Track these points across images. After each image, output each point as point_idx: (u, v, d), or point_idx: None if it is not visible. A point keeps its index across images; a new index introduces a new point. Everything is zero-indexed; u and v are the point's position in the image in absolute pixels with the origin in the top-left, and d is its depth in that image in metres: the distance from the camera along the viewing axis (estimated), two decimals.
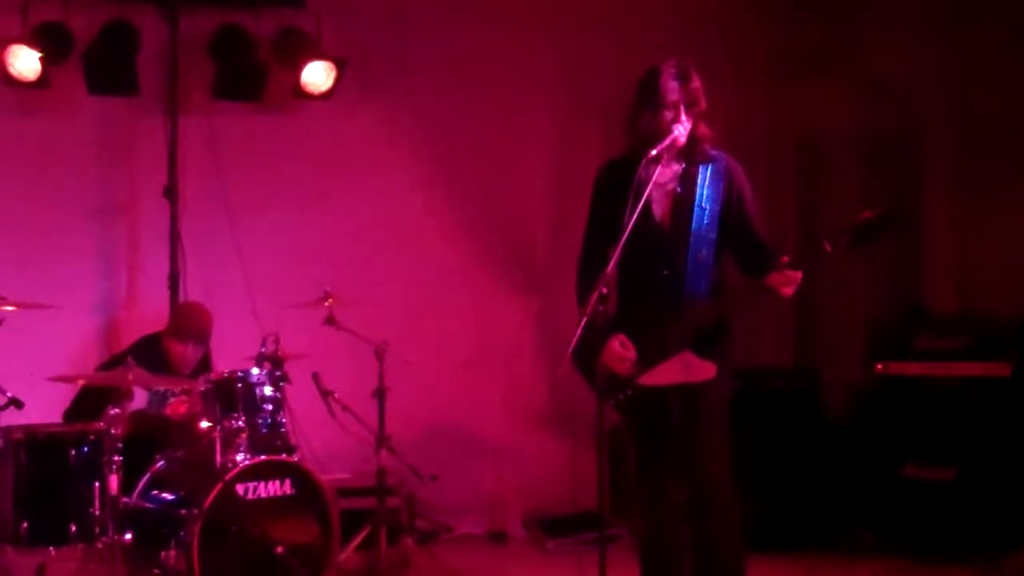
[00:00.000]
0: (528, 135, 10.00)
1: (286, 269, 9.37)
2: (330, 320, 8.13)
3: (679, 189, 5.94)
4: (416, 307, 9.59)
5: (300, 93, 9.30)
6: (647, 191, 5.70)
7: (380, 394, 8.15)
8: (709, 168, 5.93)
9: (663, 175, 5.89)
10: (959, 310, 9.38)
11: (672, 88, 5.87)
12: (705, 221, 5.87)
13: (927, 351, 8.73)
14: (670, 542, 6.05)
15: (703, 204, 5.85)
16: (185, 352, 8.11)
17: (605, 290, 5.49)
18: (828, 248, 5.67)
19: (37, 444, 6.87)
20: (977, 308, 9.26)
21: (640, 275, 5.94)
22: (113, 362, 7.80)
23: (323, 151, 9.67)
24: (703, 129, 5.94)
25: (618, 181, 5.90)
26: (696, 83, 5.90)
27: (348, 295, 8.23)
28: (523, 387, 9.98)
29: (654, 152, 5.71)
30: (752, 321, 9.95)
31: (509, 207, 9.95)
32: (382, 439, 8.11)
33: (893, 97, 9.87)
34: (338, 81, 9.27)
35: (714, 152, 5.98)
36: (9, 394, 7.02)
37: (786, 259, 5.65)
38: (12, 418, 6.99)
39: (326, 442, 8.53)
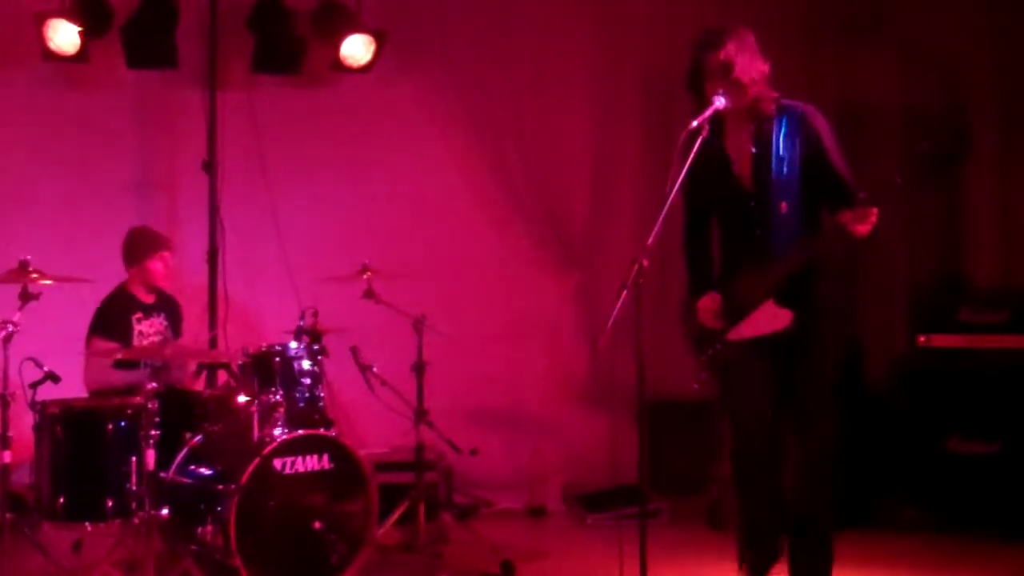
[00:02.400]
0: (567, 106, 9.94)
1: (325, 242, 9.39)
2: (369, 293, 8.11)
3: (755, 149, 5.99)
4: (455, 280, 9.57)
5: (339, 66, 9.29)
6: (690, 158, 5.66)
7: (419, 368, 8.11)
8: (783, 121, 5.95)
9: (741, 136, 6.00)
10: (1001, 282, 9.31)
11: (705, 60, 5.94)
12: (784, 174, 5.90)
13: (969, 324, 8.67)
14: (760, 492, 6.17)
15: (781, 157, 5.88)
16: (166, 264, 8.14)
17: (646, 262, 5.49)
18: (899, 181, 5.68)
19: (73, 419, 6.86)
20: (1019, 281, 9.18)
21: (734, 237, 6.11)
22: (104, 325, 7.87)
23: (362, 124, 9.65)
24: (759, 89, 5.93)
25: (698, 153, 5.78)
26: (726, 52, 5.89)
27: (387, 268, 8.20)
28: (562, 361, 9.94)
29: (695, 124, 5.70)
30: None
31: (548, 179, 9.89)
32: (420, 413, 8.08)
33: (936, 66, 9.76)
34: (377, 54, 9.26)
35: (788, 104, 5.99)
36: (46, 368, 7.01)
37: (863, 195, 5.65)
38: (49, 392, 6.98)
39: (364, 416, 8.53)
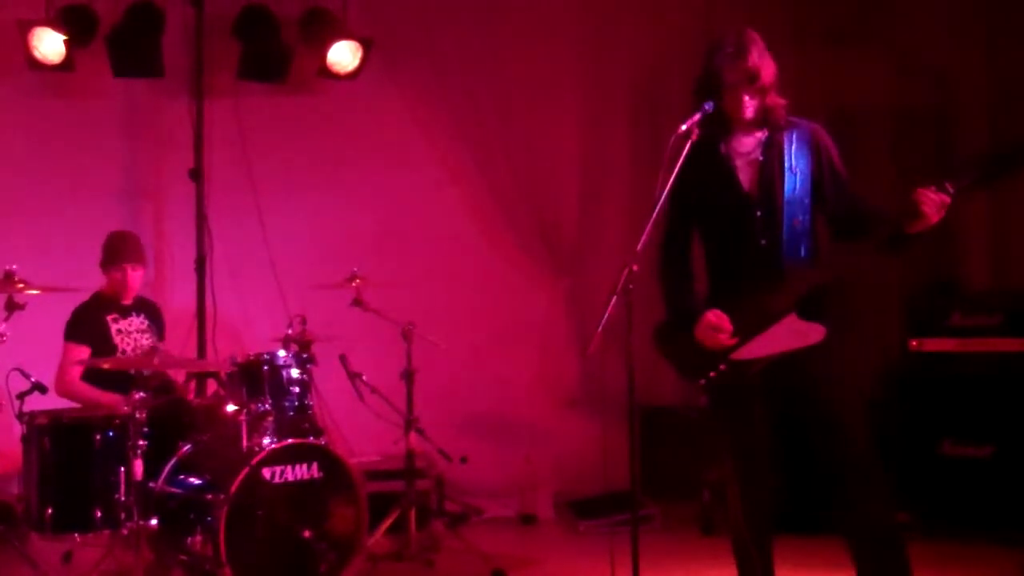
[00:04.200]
0: (555, 112, 9.92)
1: (313, 250, 9.39)
2: (357, 301, 8.10)
3: (762, 157, 5.77)
4: (444, 288, 9.54)
5: (326, 73, 9.28)
6: (679, 164, 5.55)
7: (408, 376, 8.11)
8: (794, 134, 5.79)
9: (745, 144, 5.80)
10: (993, 286, 9.31)
11: (728, 69, 5.73)
12: (797, 186, 5.70)
13: (961, 328, 8.66)
14: (758, 529, 5.90)
15: (793, 169, 5.70)
16: (127, 276, 8.02)
17: (636, 267, 5.40)
18: (951, 188, 5.47)
19: (61, 429, 6.83)
20: (1012, 284, 9.18)
21: (734, 248, 5.75)
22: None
23: (349, 131, 9.64)
24: (773, 98, 5.79)
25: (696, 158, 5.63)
26: (751, 60, 5.72)
27: (375, 276, 8.18)
28: (553, 368, 9.92)
29: (684, 127, 5.62)
30: None
31: (537, 186, 9.87)
32: (410, 421, 8.07)
33: (927, 70, 9.76)
34: (364, 61, 9.24)
35: (796, 118, 5.86)
36: (33, 379, 6.98)
37: (951, 186, 5.45)
38: (36, 403, 6.95)
39: (354, 424, 8.50)
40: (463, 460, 8.70)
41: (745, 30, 5.87)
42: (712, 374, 5.64)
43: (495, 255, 9.87)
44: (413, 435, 8.09)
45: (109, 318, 7.88)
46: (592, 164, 9.96)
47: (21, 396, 6.89)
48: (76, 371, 7.70)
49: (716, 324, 5.55)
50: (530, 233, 9.87)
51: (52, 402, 7.10)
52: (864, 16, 9.93)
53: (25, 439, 6.86)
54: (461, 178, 9.84)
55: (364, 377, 8.09)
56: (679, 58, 9.71)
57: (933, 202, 5.44)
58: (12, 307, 6.77)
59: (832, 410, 5.65)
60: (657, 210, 5.55)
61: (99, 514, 6.67)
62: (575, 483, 9.61)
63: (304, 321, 7.71)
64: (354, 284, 8.08)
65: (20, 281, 6.76)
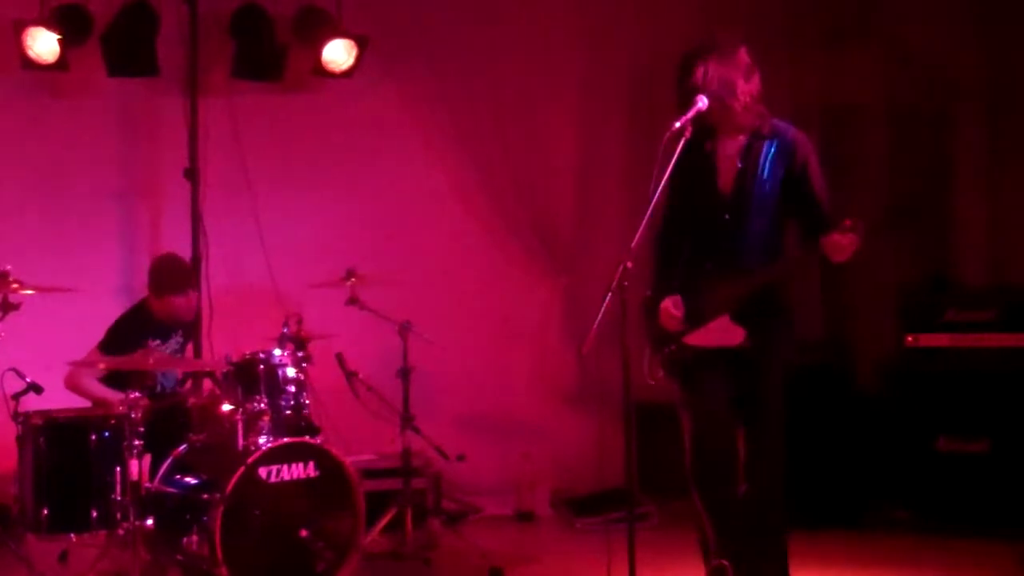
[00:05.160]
0: (552, 111, 9.92)
1: (308, 249, 9.37)
2: (353, 300, 8.09)
3: (741, 164, 6.06)
4: (440, 286, 9.53)
5: (321, 72, 9.26)
6: (672, 164, 5.75)
7: (404, 374, 8.11)
8: (775, 143, 6.03)
9: (729, 148, 6.09)
10: (988, 281, 9.32)
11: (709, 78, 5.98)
12: (766, 193, 5.98)
13: (957, 323, 8.69)
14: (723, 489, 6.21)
15: (765, 177, 5.96)
16: (190, 302, 8.07)
17: (630, 264, 5.55)
18: (849, 225, 5.74)
19: (57, 430, 6.83)
20: (1006, 279, 9.19)
21: (704, 243, 6.12)
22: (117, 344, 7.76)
23: (345, 129, 9.62)
24: (757, 106, 6.06)
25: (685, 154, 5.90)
26: (725, 70, 5.99)
27: (371, 274, 8.18)
28: (549, 366, 9.92)
29: (678, 124, 5.76)
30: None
31: (534, 184, 9.86)
32: (407, 419, 8.07)
33: (922, 68, 9.76)
34: (359, 59, 9.22)
35: (780, 126, 6.08)
36: (28, 379, 6.98)
37: (849, 222, 5.73)
38: (32, 403, 6.94)
39: (350, 423, 8.47)
40: (460, 458, 8.70)
41: (731, 36, 6.12)
42: (666, 351, 6.14)
43: (492, 253, 9.86)
44: (410, 433, 8.09)
45: (152, 343, 7.79)
46: (588, 162, 9.95)
47: (16, 396, 6.88)
48: (91, 374, 7.67)
49: (670, 311, 6.06)
50: (527, 231, 9.86)
51: (47, 402, 7.08)
52: (861, 15, 9.93)
53: (20, 439, 6.84)
54: (457, 176, 9.83)
55: (360, 375, 8.09)
56: (676, 57, 9.69)
57: (834, 245, 5.79)
58: (7, 307, 6.77)
59: (757, 423, 6.12)
60: (652, 207, 5.63)
61: (95, 514, 6.67)
62: (572, 481, 9.61)
63: (300, 320, 7.68)
64: (350, 282, 8.07)
65: (15, 281, 6.76)
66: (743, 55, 6.08)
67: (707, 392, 6.14)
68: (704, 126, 5.96)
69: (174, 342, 8.02)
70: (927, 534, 8.41)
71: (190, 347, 8.67)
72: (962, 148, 9.72)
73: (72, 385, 7.63)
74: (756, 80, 6.08)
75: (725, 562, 6.12)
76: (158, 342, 7.85)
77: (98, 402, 7.48)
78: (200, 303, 8.50)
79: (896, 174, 9.79)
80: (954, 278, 9.45)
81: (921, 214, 9.62)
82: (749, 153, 6.04)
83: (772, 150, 6.01)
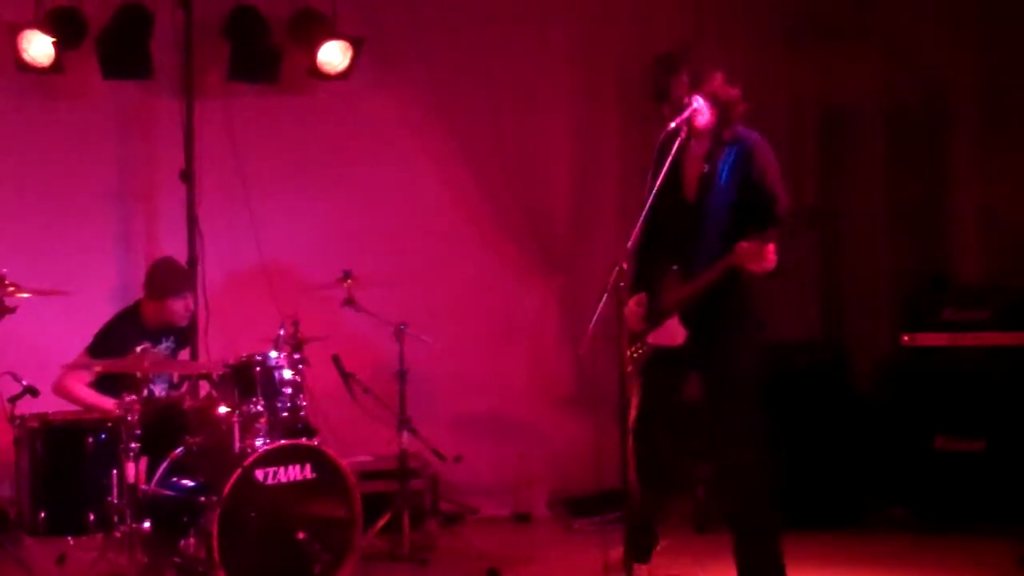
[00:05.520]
0: (547, 111, 9.90)
1: (304, 251, 9.37)
2: (349, 301, 8.10)
3: (706, 168, 6.16)
4: (436, 287, 9.52)
5: (316, 73, 9.24)
6: (667, 164, 5.94)
7: (401, 375, 8.11)
8: (735, 148, 6.12)
9: (696, 153, 6.21)
10: (984, 281, 9.32)
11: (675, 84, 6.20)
12: (725, 197, 6.06)
13: (953, 322, 8.71)
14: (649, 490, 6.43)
15: (724, 182, 6.03)
16: (188, 306, 8.08)
17: (626, 265, 5.73)
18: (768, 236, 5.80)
19: (53, 432, 6.84)
20: (1003, 279, 9.19)
21: (670, 244, 6.25)
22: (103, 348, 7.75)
23: (340, 131, 9.61)
24: (726, 113, 6.15)
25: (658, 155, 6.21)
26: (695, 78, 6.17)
27: (367, 276, 8.19)
28: (546, 367, 9.91)
29: (673, 125, 5.90)
30: (777, 295, 9.90)
31: (529, 185, 9.86)
32: (404, 421, 8.08)
33: (918, 66, 9.78)
34: (354, 61, 9.20)
35: (741, 132, 6.16)
36: (25, 382, 6.97)
37: (754, 232, 5.81)
38: (28, 406, 6.94)
39: (347, 425, 8.48)
40: (457, 459, 8.72)
41: (694, 47, 6.52)
42: (632, 348, 6.32)
43: (487, 254, 9.84)
44: (407, 435, 8.11)
45: (139, 348, 7.79)
46: (583, 162, 9.94)
47: (13, 400, 6.88)
48: (80, 379, 7.67)
49: (634, 309, 6.30)
50: (522, 232, 9.85)
51: (44, 405, 7.07)
52: (856, 14, 9.93)
53: (17, 442, 6.85)
54: (452, 177, 9.81)
55: (357, 377, 8.10)
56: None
57: (745, 251, 5.84)
58: (3, 310, 6.78)
59: (719, 424, 6.24)
60: (647, 207, 5.65)
61: (92, 517, 6.69)
62: (569, 481, 9.60)
63: (296, 322, 7.68)
64: (346, 284, 8.08)
65: (11, 284, 6.75)
66: (719, 69, 6.22)
67: (654, 390, 6.35)
68: (672, 132, 6.10)
69: (164, 347, 8.00)
70: (924, 533, 8.41)
71: (186, 349, 8.67)
72: (959, 147, 9.73)
73: (61, 391, 7.62)
74: (724, 88, 6.19)
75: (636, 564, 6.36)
76: (147, 344, 7.84)
77: (87, 408, 7.47)
78: (196, 308, 8.50)
79: (893, 173, 9.80)
80: (951, 277, 9.46)
81: (918, 213, 9.67)
82: (711, 158, 6.15)
83: (732, 156, 6.11)
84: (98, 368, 7.32)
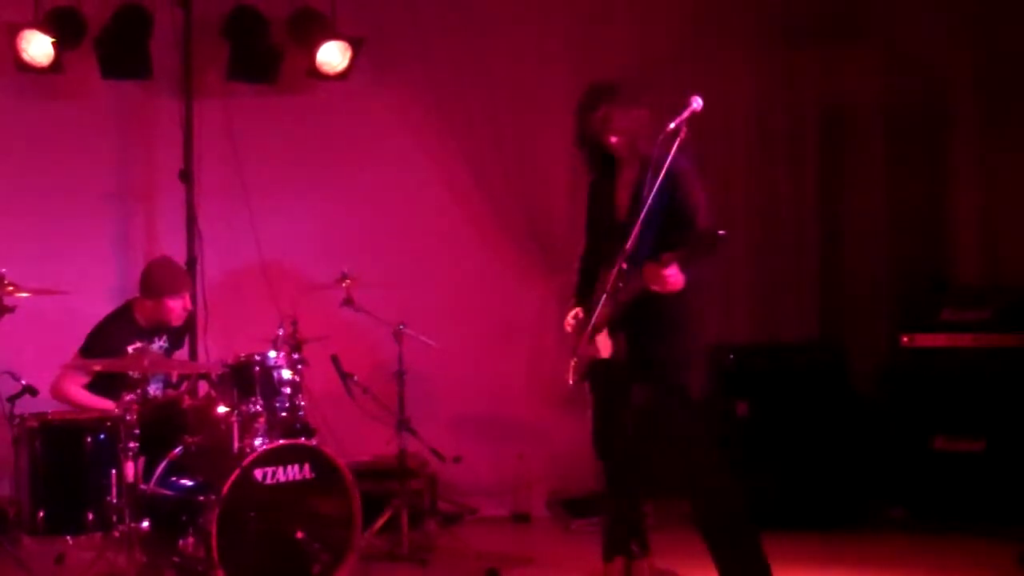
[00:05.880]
0: (546, 112, 9.85)
1: (303, 251, 9.38)
2: (348, 302, 8.10)
3: (632, 191, 6.33)
4: (435, 287, 9.52)
5: (315, 74, 9.23)
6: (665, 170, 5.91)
7: (400, 376, 8.11)
8: (660, 171, 6.05)
9: (626, 176, 6.43)
10: (984, 281, 9.32)
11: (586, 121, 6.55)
12: (651, 218, 6.01)
13: (953, 323, 8.71)
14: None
15: (649, 204, 5.98)
16: (186, 304, 8.06)
17: (625, 265, 5.80)
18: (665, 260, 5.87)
19: (52, 432, 6.83)
20: (1002, 279, 9.19)
21: (605, 259, 6.30)
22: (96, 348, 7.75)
23: (340, 132, 9.61)
24: (639, 140, 6.30)
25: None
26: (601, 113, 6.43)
27: (366, 276, 8.20)
28: (545, 367, 9.89)
29: (672, 125, 5.87)
30: (776, 296, 9.91)
31: (528, 185, 9.85)
32: (403, 421, 8.09)
33: (918, 66, 9.77)
34: (354, 61, 9.20)
35: (659, 152, 6.10)
36: (24, 381, 6.98)
37: (665, 256, 5.86)
38: (27, 406, 6.94)
39: (346, 425, 8.48)
40: (456, 460, 8.73)
41: (601, 86, 6.59)
42: (573, 359, 6.58)
43: (486, 254, 9.83)
44: (405, 435, 8.12)
45: (131, 348, 7.79)
46: (583, 162, 9.93)
47: (12, 399, 6.90)
48: (77, 381, 7.66)
49: (570, 322, 6.66)
50: (521, 231, 9.83)
51: (43, 404, 7.08)
52: (855, 13, 9.92)
53: (16, 442, 6.86)
54: (451, 177, 9.80)
55: (356, 377, 8.10)
56: (669, 57, 9.70)
57: (647, 274, 5.93)
58: (2, 310, 6.79)
59: (661, 428, 6.33)
60: (646, 209, 5.67)
61: (91, 516, 6.68)
62: (568, 482, 9.58)
63: (295, 322, 7.69)
64: (345, 284, 8.09)
65: (9, 284, 6.76)
66: (644, 99, 6.45)
67: (602, 402, 6.58)
68: (609, 158, 6.46)
69: (156, 346, 7.99)
70: (924, 533, 8.42)
71: (185, 349, 8.67)
72: (959, 147, 9.73)
73: (58, 394, 7.62)
74: (646, 117, 6.31)
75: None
76: (139, 344, 7.83)
77: (84, 410, 7.47)
78: (194, 308, 8.50)
79: (893, 174, 9.80)
80: (950, 278, 9.46)
81: (918, 213, 9.66)
82: (639, 181, 6.22)
83: (658, 178, 6.06)
84: (96, 368, 7.31)
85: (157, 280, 7.95)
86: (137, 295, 8.01)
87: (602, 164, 6.59)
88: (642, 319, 6.10)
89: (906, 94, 9.83)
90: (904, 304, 9.20)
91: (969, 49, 9.62)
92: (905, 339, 8.84)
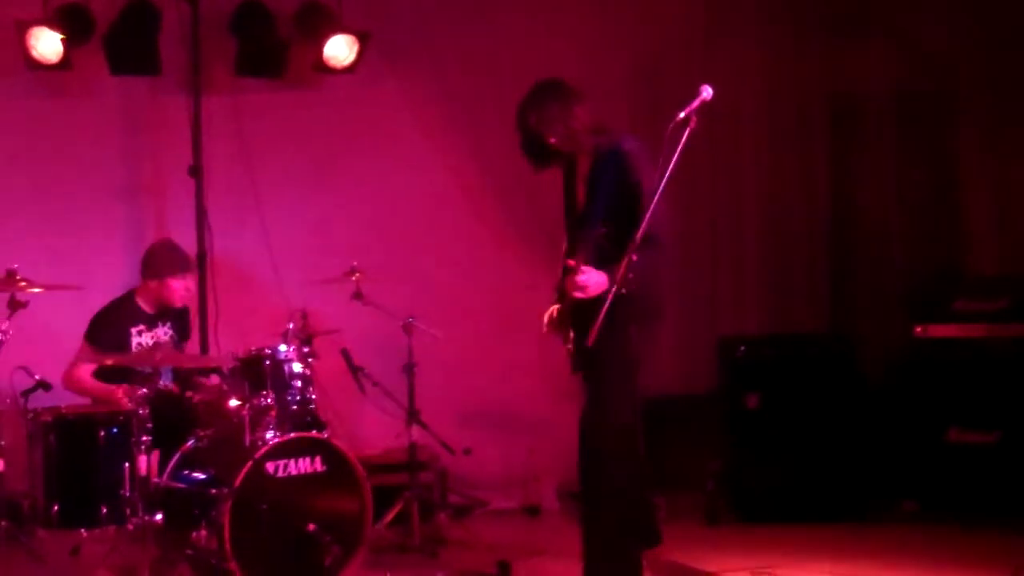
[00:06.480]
0: None
1: (313, 245, 9.39)
2: (357, 295, 8.11)
3: (586, 183, 6.48)
4: (444, 280, 9.54)
5: (322, 68, 9.24)
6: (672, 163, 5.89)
7: (409, 369, 8.12)
8: (607, 162, 6.32)
9: (583, 169, 6.55)
10: (997, 271, 9.30)
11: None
12: (599, 208, 6.24)
13: (966, 313, 8.67)
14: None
15: (597, 194, 6.25)
16: (188, 285, 8.11)
17: (635, 257, 5.76)
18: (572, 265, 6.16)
19: (66, 426, 6.84)
20: (1015, 269, 9.18)
21: (568, 251, 6.54)
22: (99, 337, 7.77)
23: (347, 125, 9.61)
24: (585, 133, 6.52)
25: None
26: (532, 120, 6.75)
27: (375, 270, 8.21)
28: (555, 359, 9.86)
29: (682, 115, 5.85)
30: (787, 287, 9.91)
31: (536, 177, 9.82)
32: (413, 414, 8.09)
33: (928, 57, 9.75)
34: (361, 55, 9.20)
35: (613, 144, 6.34)
36: (37, 376, 7.00)
37: (571, 263, 6.10)
38: (41, 400, 6.96)
39: (357, 418, 8.50)
40: (466, 452, 8.75)
41: (532, 91, 6.88)
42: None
43: (495, 246, 9.83)
44: (416, 428, 8.14)
45: (133, 329, 7.82)
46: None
47: (26, 394, 6.92)
48: (87, 369, 7.68)
49: (545, 320, 6.90)
50: (530, 224, 9.81)
51: (56, 399, 7.10)
52: (864, 3, 9.92)
53: (30, 436, 6.89)
54: (460, 170, 9.81)
55: (366, 370, 8.11)
56: (679, 48, 9.72)
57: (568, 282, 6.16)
58: (15, 306, 6.83)
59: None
60: (656, 199, 5.66)
61: (105, 510, 6.71)
62: (578, 474, 9.59)
63: (305, 315, 7.71)
64: (354, 278, 8.09)
65: (22, 280, 6.81)
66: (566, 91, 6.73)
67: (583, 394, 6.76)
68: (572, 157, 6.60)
69: (161, 331, 8.01)
70: (937, 526, 8.39)
71: (196, 343, 8.69)
72: (970, 137, 9.72)
73: (70, 382, 7.64)
74: (582, 112, 6.56)
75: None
76: (141, 327, 7.85)
77: (96, 398, 7.49)
78: (196, 292, 8.52)
79: (904, 164, 9.79)
80: (963, 268, 9.45)
81: (929, 204, 9.65)
82: (592, 170, 6.42)
83: (605, 169, 6.29)
84: (109, 362, 7.33)
85: (160, 260, 7.97)
86: (141, 279, 8.03)
87: (551, 161, 6.76)
88: (584, 319, 6.12)
89: (917, 83, 9.82)
90: (916, 294, 9.17)
91: (980, 39, 9.61)
92: (918, 329, 8.80)
